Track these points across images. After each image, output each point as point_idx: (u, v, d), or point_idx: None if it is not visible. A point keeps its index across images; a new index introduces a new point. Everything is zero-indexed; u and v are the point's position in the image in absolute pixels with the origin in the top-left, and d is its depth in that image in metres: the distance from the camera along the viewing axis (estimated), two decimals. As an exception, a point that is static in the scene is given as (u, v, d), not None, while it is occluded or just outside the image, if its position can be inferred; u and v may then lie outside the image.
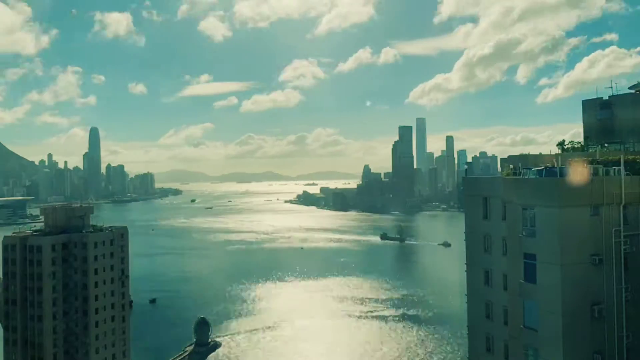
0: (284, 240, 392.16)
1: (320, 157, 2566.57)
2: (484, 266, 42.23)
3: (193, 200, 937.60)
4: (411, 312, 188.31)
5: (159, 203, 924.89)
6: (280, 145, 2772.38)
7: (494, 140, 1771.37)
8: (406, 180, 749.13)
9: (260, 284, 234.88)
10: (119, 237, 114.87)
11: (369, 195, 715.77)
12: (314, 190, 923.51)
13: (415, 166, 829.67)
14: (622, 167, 34.44)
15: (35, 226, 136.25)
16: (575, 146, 48.27)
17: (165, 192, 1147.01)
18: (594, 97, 51.53)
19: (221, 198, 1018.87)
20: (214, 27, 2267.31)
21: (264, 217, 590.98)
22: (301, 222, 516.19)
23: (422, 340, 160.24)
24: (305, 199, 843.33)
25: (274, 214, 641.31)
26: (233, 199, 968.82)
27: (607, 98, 50.14)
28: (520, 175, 37.93)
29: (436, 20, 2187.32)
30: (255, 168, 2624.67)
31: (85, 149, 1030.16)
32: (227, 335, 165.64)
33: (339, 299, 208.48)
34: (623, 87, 50.47)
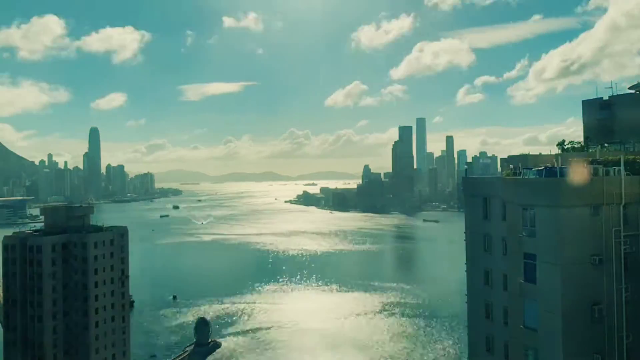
0: (289, 243, 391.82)
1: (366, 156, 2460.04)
2: (484, 266, 42.25)
3: (176, 207, 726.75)
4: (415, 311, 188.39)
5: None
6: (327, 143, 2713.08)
7: None
8: (406, 180, 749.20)
9: (261, 286, 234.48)
10: (119, 237, 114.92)
11: (369, 196, 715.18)
12: (314, 190, 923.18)
13: (415, 166, 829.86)
14: (622, 167, 34.46)
15: (35, 226, 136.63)
16: (575, 146, 48.27)
17: (165, 193, 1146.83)
18: (594, 97, 51.61)
19: (221, 200, 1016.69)
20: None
21: (269, 220, 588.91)
22: (309, 226, 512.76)
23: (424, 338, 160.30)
24: (305, 199, 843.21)
25: (278, 215, 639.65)
26: (231, 202, 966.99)
27: (607, 98, 50.17)
28: (520, 175, 37.95)
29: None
30: (255, 168, 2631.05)
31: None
32: (227, 336, 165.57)
33: (343, 301, 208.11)
34: (623, 87, 50.57)
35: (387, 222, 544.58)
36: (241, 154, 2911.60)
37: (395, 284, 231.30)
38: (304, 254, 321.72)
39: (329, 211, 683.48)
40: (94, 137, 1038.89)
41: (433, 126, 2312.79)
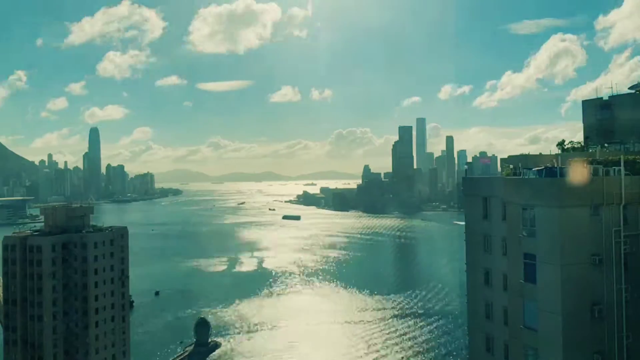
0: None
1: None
2: (484, 266, 42.20)
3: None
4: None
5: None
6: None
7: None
8: (406, 180, 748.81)
9: (263, 287, 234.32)
10: (118, 237, 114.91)
11: (369, 196, 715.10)
12: (314, 190, 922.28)
13: (415, 166, 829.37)
14: (622, 167, 34.42)
15: (35, 226, 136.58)
16: (575, 146, 48.25)
17: (165, 192, 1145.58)
18: (594, 97, 51.64)
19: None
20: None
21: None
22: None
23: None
24: (305, 199, 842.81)
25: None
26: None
27: (607, 98, 50.19)
28: (520, 175, 37.94)
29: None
30: (255, 168, 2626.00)
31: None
32: (227, 336, 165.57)
33: (344, 302, 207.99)
34: (623, 87, 50.59)
35: (387, 222, 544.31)
36: (240, 154, 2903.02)
37: (395, 285, 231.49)
38: (305, 255, 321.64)
39: (329, 211, 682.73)
40: (94, 137, 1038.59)
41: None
